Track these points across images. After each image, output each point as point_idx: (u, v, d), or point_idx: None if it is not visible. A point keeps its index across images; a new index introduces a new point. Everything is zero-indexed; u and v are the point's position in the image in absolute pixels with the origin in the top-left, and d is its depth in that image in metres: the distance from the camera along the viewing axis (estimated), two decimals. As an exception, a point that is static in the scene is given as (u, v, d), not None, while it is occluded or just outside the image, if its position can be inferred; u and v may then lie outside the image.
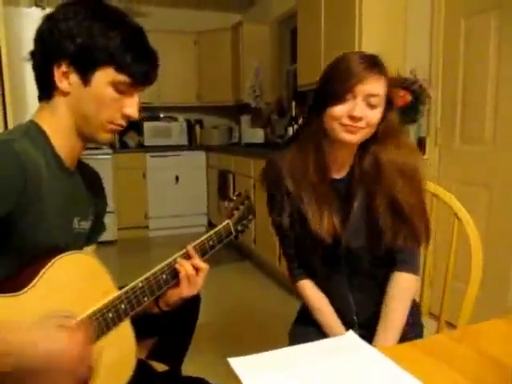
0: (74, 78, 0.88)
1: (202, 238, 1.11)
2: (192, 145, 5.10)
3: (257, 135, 4.51)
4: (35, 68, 0.92)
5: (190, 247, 1.07)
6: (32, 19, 2.07)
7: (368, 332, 1.13)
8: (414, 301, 1.21)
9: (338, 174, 1.19)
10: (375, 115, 1.08)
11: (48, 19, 0.89)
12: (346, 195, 1.17)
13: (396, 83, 2.34)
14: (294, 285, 1.27)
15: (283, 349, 0.83)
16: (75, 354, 0.73)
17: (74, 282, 0.86)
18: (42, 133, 0.91)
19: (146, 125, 4.81)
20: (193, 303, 1.21)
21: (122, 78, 0.89)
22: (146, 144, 4.81)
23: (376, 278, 1.18)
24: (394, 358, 0.76)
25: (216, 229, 1.15)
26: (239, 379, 0.71)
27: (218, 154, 4.58)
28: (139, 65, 0.90)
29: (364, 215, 1.14)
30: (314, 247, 1.16)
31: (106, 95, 0.89)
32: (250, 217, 1.26)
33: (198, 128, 5.23)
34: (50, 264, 0.82)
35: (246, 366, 0.75)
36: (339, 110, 1.07)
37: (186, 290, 1.05)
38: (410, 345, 0.86)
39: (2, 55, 1.75)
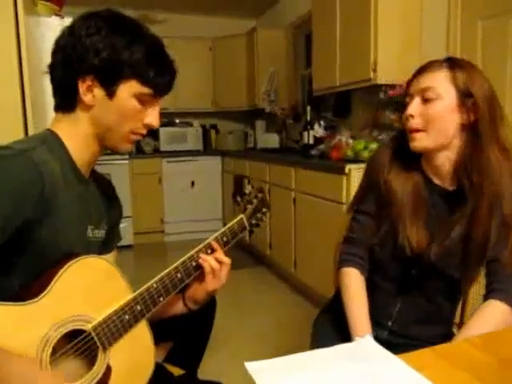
0: (98, 91, 0.90)
1: (216, 234, 1.11)
2: (207, 150, 5.13)
3: (272, 140, 4.51)
4: (56, 81, 0.93)
5: (212, 241, 1.09)
6: (51, 28, 2.12)
7: (397, 339, 1.13)
8: None
9: (439, 182, 1.13)
10: (431, 109, 1.03)
11: (70, 34, 0.90)
12: (449, 210, 1.10)
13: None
14: (339, 270, 1.21)
15: (300, 353, 0.83)
16: None
17: (88, 286, 0.87)
18: (60, 142, 0.92)
19: (162, 130, 4.85)
20: (209, 307, 1.22)
21: (146, 90, 0.92)
22: (161, 149, 4.85)
23: (430, 296, 1.15)
24: (413, 364, 0.75)
25: (229, 224, 1.14)
26: (256, 383, 0.71)
27: (234, 159, 4.60)
28: (161, 77, 0.94)
29: (462, 236, 1.07)
30: (391, 249, 1.13)
31: (130, 107, 0.92)
32: (264, 209, 1.23)
33: (213, 133, 5.26)
34: (64, 269, 0.83)
35: (263, 371, 0.75)
36: (403, 115, 1.08)
37: (211, 285, 1.08)
38: (429, 351, 0.85)
39: (23, 64, 1.79)
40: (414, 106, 1.05)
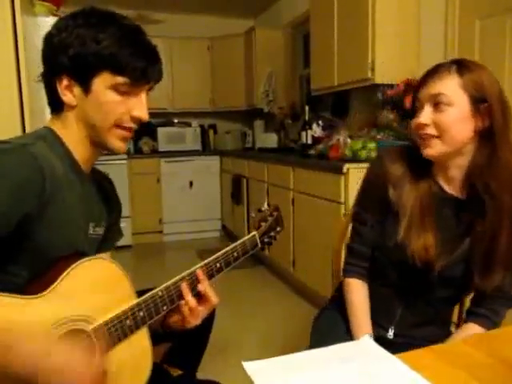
0: (76, 89, 0.89)
1: (227, 249, 1.07)
2: (206, 150, 5.13)
3: (270, 140, 4.51)
4: (44, 85, 0.94)
5: (198, 271, 0.99)
6: (48, 28, 2.11)
7: (398, 339, 1.14)
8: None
9: (449, 189, 1.10)
10: (444, 117, 1.00)
11: (45, 37, 0.91)
12: (458, 219, 1.08)
13: (410, 88, 2.33)
14: (343, 280, 1.23)
15: (298, 353, 0.83)
16: (74, 375, 0.73)
17: (93, 288, 0.86)
18: (59, 139, 0.92)
19: (160, 130, 4.85)
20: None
21: (120, 79, 0.88)
22: (160, 149, 4.85)
23: (431, 302, 1.15)
24: (410, 363, 0.75)
25: (241, 240, 1.10)
26: (254, 383, 0.71)
27: (232, 159, 4.60)
28: (134, 62, 0.88)
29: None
30: (394, 257, 1.12)
31: (107, 100, 0.89)
32: (278, 228, 1.22)
33: (211, 133, 5.26)
34: (70, 268, 0.83)
35: (261, 370, 0.75)
36: (412, 122, 1.05)
37: (187, 321, 0.98)
38: (427, 350, 0.85)
39: (20, 64, 1.79)
40: (426, 114, 1.02)
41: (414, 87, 1.08)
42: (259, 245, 1.15)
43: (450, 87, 1.00)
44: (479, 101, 1.00)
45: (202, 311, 0.99)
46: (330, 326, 1.24)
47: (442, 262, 1.07)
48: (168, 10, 4.83)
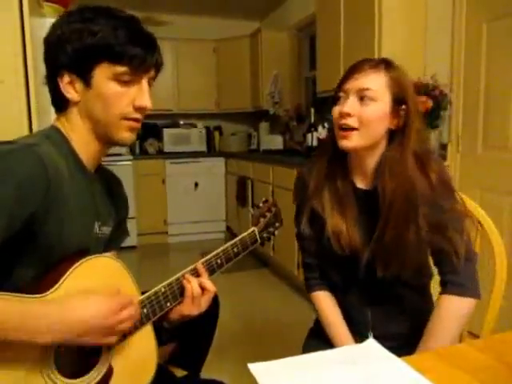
0: (78, 84, 0.90)
1: (227, 245, 1.10)
2: (211, 151, 5.14)
3: (275, 142, 4.52)
4: (47, 85, 0.95)
5: (199, 265, 1.04)
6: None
7: (384, 342, 1.12)
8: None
9: (362, 184, 1.15)
10: (368, 111, 1.04)
11: (44, 38, 0.92)
12: (371, 209, 1.10)
13: (417, 89, 2.32)
14: (309, 295, 1.26)
15: (303, 355, 0.83)
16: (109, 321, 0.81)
17: (97, 285, 0.87)
18: (64, 137, 0.93)
19: (166, 131, 4.86)
20: (212, 309, 1.22)
21: (119, 68, 0.88)
22: (165, 151, 4.86)
23: (397, 293, 1.15)
24: (416, 366, 0.75)
25: (241, 236, 1.14)
26: (258, 385, 0.71)
27: (237, 161, 4.60)
28: (132, 50, 0.88)
29: (393, 236, 1.06)
30: (332, 257, 1.13)
31: (109, 91, 0.89)
32: (277, 224, 1.24)
33: (217, 135, 5.27)
34: (74, 266, 0.83)
35: (266, 372, 0.75)
36: (335, 111, 1.07)
37: (186, 309, 1.02)
38: (432, 354, 0.85)
39: (28, 66, 1.80)
40: (352, 105, 1.04)
41: (399, 80, 1.08)
42: (259, 240, 1.17)
43: (378, 83, 1.04)
44: (399, 102, 1.05)
45: (204, 300, 1.03)
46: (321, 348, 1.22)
47: (366, 254, 1.10)
48: (174, 11, 4.85)
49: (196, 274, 1.04)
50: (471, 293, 1.07)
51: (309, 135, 3.57)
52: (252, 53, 4.80)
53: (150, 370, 0.94)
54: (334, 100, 1.10)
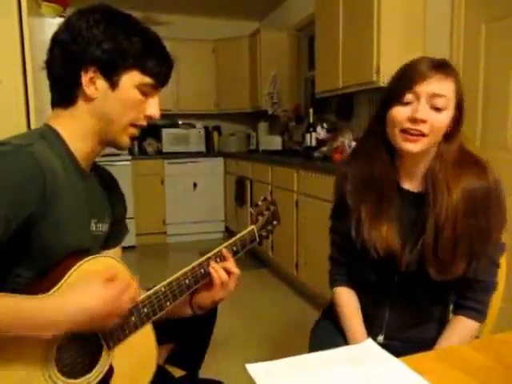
0: (101, 82, 0.90)
1: (226, 244, 1.11)
2: (210, 151, 5.13)
3: (274, 142, 4.52)
4: (55, 76, 0.93)
5: (223, 249, 1.09)
6: (55, 29, 2.12)
7: (392, 342, 1.13)
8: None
9: (410, 185, 1.11)
10: (441, 119, 1.00)
11: (67, 29, 0.90)
12: (417, 213, 1.08)
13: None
14: (332, 289, 1.25)
15: (301, 356, 0.83)
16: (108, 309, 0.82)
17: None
18: (59, 137, 0.92)
19: (165, 132, 4.86)
20: (210, 309, 1.21)
21: (148, 80, 0.93)
22: (164, 151, 4.86)
23: (415, 301, 1.14)
24: (414, 367, 0.75)
25: (240, 234, 1.14)
26: (257, 386, 0.71)
27: (236, 161, 4.60)
28: (161, 66, 0.95)
29: (433, 240, 1.04)
30: (366, 258, 1.11)
31: (132, 97, 0.93)
32: (275, 222, 1.24)
33: (215, 135, 5.27)
34: (75, 267, 0.83)
35: (264, 372, 0.75)
36: (400, 112, 1.01)
37: (218, 294, 1.08)
38: (431, 354, 0.84)
39: (26, 65, 1.80)
40: (425, 112, 0.99)
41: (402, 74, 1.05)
42: (257, 238, 1.18)
43: (449, 90, 1.01)
44: (459, 107, 1.04)
45: (231, 283, 1.09)
46: (328, 337, 1.22)
47: (407, 257, 1.08)
48: (173, 12, 4.85)
49: (222, 257, 1.09)
50: (485, 317, 1.11)
51: (307, 135, 3.57)
52: (251, 53, 4.80)
53: (151, 370, 0.94)
54: (392, 99, 1.04)
